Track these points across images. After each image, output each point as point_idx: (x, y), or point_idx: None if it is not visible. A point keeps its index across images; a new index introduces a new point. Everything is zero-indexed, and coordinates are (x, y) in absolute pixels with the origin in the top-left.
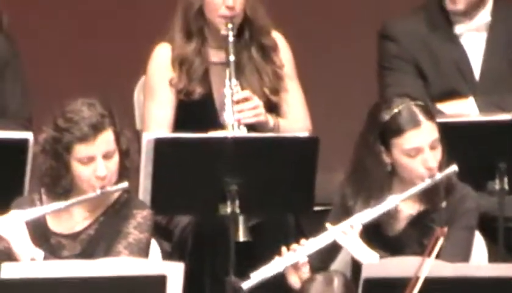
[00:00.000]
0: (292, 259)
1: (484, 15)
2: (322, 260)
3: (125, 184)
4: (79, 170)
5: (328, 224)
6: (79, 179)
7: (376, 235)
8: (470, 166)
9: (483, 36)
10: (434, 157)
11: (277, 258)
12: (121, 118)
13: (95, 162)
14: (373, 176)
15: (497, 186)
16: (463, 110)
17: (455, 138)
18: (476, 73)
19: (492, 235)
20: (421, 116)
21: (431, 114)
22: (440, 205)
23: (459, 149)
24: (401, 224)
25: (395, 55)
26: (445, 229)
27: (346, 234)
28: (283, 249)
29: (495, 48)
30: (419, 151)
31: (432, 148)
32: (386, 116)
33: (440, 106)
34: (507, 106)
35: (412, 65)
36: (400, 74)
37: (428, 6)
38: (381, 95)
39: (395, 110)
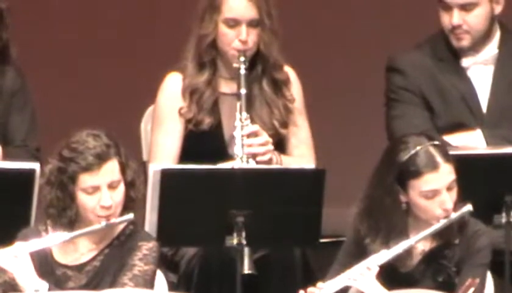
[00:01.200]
0: None
1: (492, 48)
2: None
3: (130, 216)
4: (84, 200)
5: (342, 272)
6: (84, 209)
7: (389, 271)
8: (477, 199)
9: (490, 69)
10: (451, 198)
11: None
12: (127, 149)
13: (100, 191)
14: (391, 216)
15: (504, 219)
16: (470, 142)
17: (461, 170)
18: (484, 106)
19: (498, 269)
20: (439, 158)
21: (448, 155)
22: (453, 241)
23: (466, 181)
24: (414, 260)
25: (402, 87)
26: (477, 280)
27: (363, 276)
28: (301, 292)
29: (502, 81)
30: (437, 193)
31: (449, 189)
32: (404, 157)
33: (448, 138)
34: None
35: (419, 97)
36: (407, 105)
37: (435, 39)
38: (388, 127)
39: (413, 152)
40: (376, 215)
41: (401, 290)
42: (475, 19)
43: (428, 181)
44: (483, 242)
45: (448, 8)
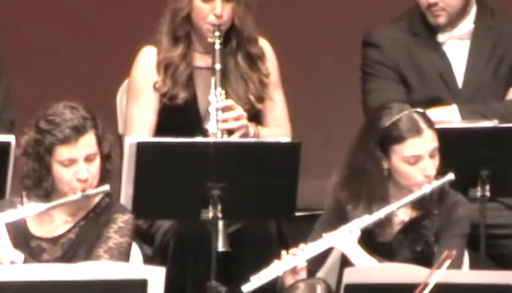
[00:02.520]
0: (292, 263)
1: (468, 23)
2: (313, 263)
3: (106, 187)
4: (60, 172)
5: (324, 234)
6: (60, 181)
7: (368, 240)
8: (453, 173)
9: (466, 44)
10: (433, 165)
11: (276, 262)
12: (103, 121)
13: (76, 164)
14: (374, 181)
15: (479, 193)
16: (446, 117)
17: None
18: (459, 81)
19: (473, 243)
20: (422, 124)
21: (431, 122)
22: (432, 211)
23: (442, 156)
24: (393, 230)
25: (378, 62)
26: (454, 252)
27: (345, 238)
28: (283, 252)
29: (478, 56)
30: (419, 158)
31: (431, 156)
32: (387, 122)
33: None
34: (489, 114)
35: (395, 71)
36: (383, 80)
37: (411, 14)
38: (364, 101)
39: (396, 117)
40: (358, 182)
41: (382, 263)
42: None
43: (411, 146)
44: (461, 213)
45: None
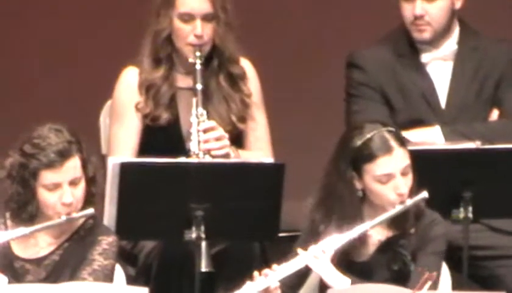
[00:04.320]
0: (264, 283)
1: (451, 44)
2: (291, 286)
3: (91, 210)
4: (45, 196)
5: (299, 250)
6: (45, 205)
7: (345, 261)
8: (435, 194)
9: (450, 65)
10: (405, 183)
11: (248, 283)
12: (88, 143)
13: (61, 188)
14: (345, 202)
15: (462, 215)
16: (429, 138)
17: (420, 166)
18: (443, 102)
19: (455, 264)
20: (393, 142)
21: (402, 140)
22: (409, 231)
23: (424, 177)
24: (370, 250)
25: (362, 83)
26: (434, 274)
27: (318, 258)
28: (255, 273)
29: (461, 77)
30: (391, 177)
31: (403, 174)
32: (358, 142)
33: (407, 134)
34: (472, 135)
35: (379, 93)
36: (367, 101)
37: (395, 35)
38: (348, 122)
39: (368, 136)
40: (331, 203)
41: (360, 284)
42: (437, 10)
43: (382, 165)
44: (438, 231)
45: None
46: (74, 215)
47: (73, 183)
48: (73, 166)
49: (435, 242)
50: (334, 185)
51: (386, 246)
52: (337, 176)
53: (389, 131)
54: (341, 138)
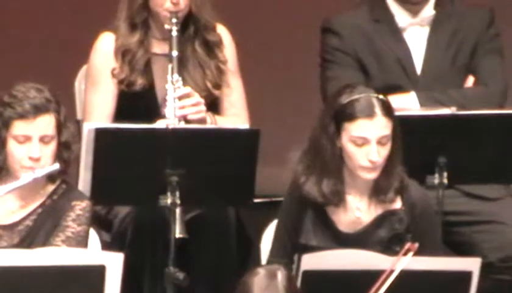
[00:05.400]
0: None
1: (428, 10)
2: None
3: (56, 166)
4: (13, 148)
5: None
6: (12, 157)
7: (330, 229)
8: (411, 160)
9: (426, 31)
10: (379, 152)
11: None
12: (66, 110)
13: (30, 142)
14: (326, 156)
15: (436, 180)
16: (404, 104)
17: None
18: (418, 68)
19: None
20: (377, 109)
21: (389, 111)
22: (396, 207)
23: (400, 143)
24: (359, 224)
25: (338, 49)
26: (416, 244)
27: None
28: None
29: (437, 44)
30: (366, 141)
31: (380, 143)
32: (345, 100)
33: None
34: (448, 101)
35: (354, 58)
36: (342, 67)
37: (372, 1)
38: (323, 88)
39: (355, 97)
40: (313, 155)
41: (340, 249)
42: None
43: (360, 127)
44: (429, 204)
45: None
46: (40, 171)
47: (43, 140)
48: (46, 122)
49: (432, 216)
50: (317, 138)
51: (379, 222)
52: (320, 129)
53: (379, 99)
54: (332, 94)
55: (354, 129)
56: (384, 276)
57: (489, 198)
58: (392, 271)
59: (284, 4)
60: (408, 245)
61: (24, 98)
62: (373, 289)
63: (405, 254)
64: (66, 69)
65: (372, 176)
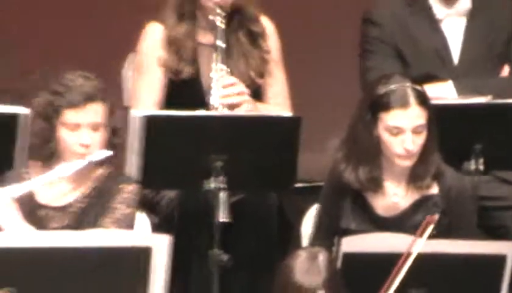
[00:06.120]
0: None
1: (465, 1)
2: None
3: (109, 152)
4: (65, 135)
5: None
6: (64, 144)
7: (367, 213)
8: (448, 147)
9: (463, 21)
10: (414, 141)
11: None
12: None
13: (81, 129)
14: (363, 143)
15: (473, 166)
16: (442, 93)
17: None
18: (455, 58)
19: None
20: (412, 99)
21: (424, 100)
22: (431, 192)
23: (437, 130)
24: (397, 209)
25: (377, 39)
26: (436, 215)
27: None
28: None
29: (474, 34)
30: (401, 131)
31: (414, 132)
32: (382, 90)
33: None
34: (484, 90)
35: (392, 48)
36: (381, 56)
37: None
38: (362, 77)
39: (391, 87)
40: (351, 143)
41: (377, 233)
42: None
43: (395, 117)
44: (466, 189)
45: None
46: (92, 156)
47: (93, 127)
48: (95, 110)
49: (468, 202)
50: (355, 127)
51: (416, 207)
52: (358, 118)
53: (414, 89)
54: (369, 84)
55: (389, 118)
56: (406, 252)
57: None
58: (414, 248)
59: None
60: (427, 218)
61: (74, 87)
62: (400, 264)
63: (426, 227)
64: (112, 56)
65: (408, 163)
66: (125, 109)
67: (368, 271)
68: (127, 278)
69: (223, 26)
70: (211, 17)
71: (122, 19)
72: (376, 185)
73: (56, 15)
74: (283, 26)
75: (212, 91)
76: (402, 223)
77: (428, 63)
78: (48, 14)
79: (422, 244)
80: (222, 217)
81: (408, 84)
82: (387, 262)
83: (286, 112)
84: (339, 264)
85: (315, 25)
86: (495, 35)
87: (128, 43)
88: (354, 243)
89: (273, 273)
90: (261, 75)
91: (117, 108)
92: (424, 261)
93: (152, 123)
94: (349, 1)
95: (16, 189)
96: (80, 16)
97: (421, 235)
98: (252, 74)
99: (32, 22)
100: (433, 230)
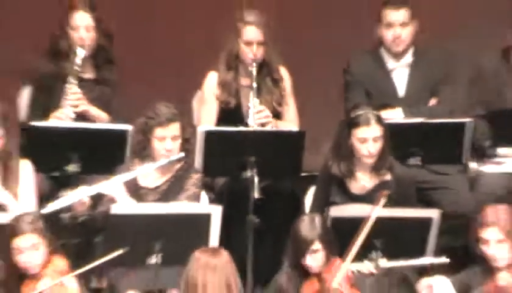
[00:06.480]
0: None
1: (408, 56)
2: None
3: (182, 154)
4: (156, 144)
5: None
6: (155, 150)
7: (346, 191)
8: (399, 150)
9: (407, 71)
10: (374, 146)
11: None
12: (187, 120)
13: (165, 140)
14: (342, 148)
15: (413, 162)
16: (394, 116)
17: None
18: (402, 94)
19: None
20: (372, 120)
21: (380, 120)
22: (386, 178)
23: (390, 140)
24: (365, 188)
25: (351, 81)
26: (386, 192)
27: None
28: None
29: (414, 78)
30: (366, 140)
31: (374, 140)
32: (354, 115)
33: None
34: (420, 114)
35: (361, 87)
36: (354, 92)
37: (374, 50)
38: (344, 105)
39: (360, 112)
40: (336, 148)
41: (349, 205)
42: (408, 32)
43: (362, 132)
44: (410, 177)
45: (391, 26)
46: (173, 157)
47: (173, 138)
48: (175, 128)
49: (412, 185)
50: (338, 138)
51: (376, 189)
52: (340, 133)
53: (374, 113)
54: (347, 111)
55: (358, 133)
56: (369, 218)
57: (446, 173)
58: (374, 213)
59: (316, 48)
60: (381, 193)
61: (161, 114)
62: (367, 225)
63: (380, 199)
64: (188, 92)
65: (371, 160)
66: (194, 126)
67: (347, 229)
68: (196, 233)
69: (255, 73)
70: (250, 68)
71: (193, 67)
72: (351, 174)
73: (148, 59)
74: (295, 72)
75: (249, 116)
76: (368, 198)
77: (383, 97)
78: (141, 57)
79: (378, 211)
80: (257, 194)
81: (370, 110)
82: (359, 222)
83: (295, 127)
84: (329, 224)
85: (318, 74)
86: (428, 79)
87: (197, 84)
88: (338, 211)
89: (289, 232)
90: (280, 105)
91: (188, 126)
92: (380, 222)
93: (209, 135)
94: (335, 53)
95: (125, 177)
96: (169, 64)
97: (378, 205)
98: (274, 104)
99: (135, 70)
100: (385, 202)
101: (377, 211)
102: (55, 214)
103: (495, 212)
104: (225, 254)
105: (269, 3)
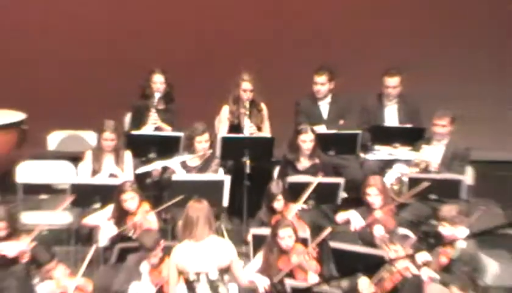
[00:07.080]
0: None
1: (328, 98)
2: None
3: (210, 151)
4: (196, 144)
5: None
6: (195, 147)
7: (293, 167)
8: (321, 147)
9: (327, 106)
10: (310, 144)
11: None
12: (210, 130)
13: (201, 143)
14: (293, 145)
15: (331, 153)
16: (319, 130)
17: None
18: (325, 117)
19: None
20: (309, 130)
21: (313, 130)
22: (316, 162)
23: (318, 143)
24: (306, 165)
25: (299, 112)
26: (321, 174)
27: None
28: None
29: (332, 110)
30: (305, 141)
31: (310, 141)
32: (299, 128)
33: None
34: (335, 129)
35: (304, 114)
36: (300, 116)
37: (311, 95)
38: (295, 121)
39: (303, 126)
40: (290, 145)
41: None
42: (326, 88)
43: (303, 136)
44: (329, 162)
45: (316, 84)
46: (207, 152)
47: (205, 141)
48: (206, 136)
49: (328, 166)
50: (292, 140)
51: (312, 168)
52: (293, 137)
53: (309, 127)
54: (297, 125)
55: (301, 137)
56: (312, 182)
57: (348, 159)
58: (316, 180)
59: (283, 79)
60: (319, 173)
61: (198, 128)
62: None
63: (317, 174)
64: (211, 117)
65: (308, 152)
66: (215, 135)
67: (298, 190)
68: (216, 190)
69: (248, 106)
70: (245, 104)
71: (215, 103)
72: (298, 159)
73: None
74: (270, 105)
75: (245, 129)
76: (306, 172)
77: (315, 119)
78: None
79: (317, 180)
80: (248, 171)
81: (308, 125)
82: (305, 186)
83: (269, 135)
84: (286, 185)
85: (285, 102)
86: (339, 110)
87: (217, 110)
88: (291, 179)
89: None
90: (262, 123)
91: (212, 134)
92: (318, 186)
93: (224, 140)
94: (299, 83)
95: (180, 159)
96: (196, 93)
97: (316, 177)
98: (258, 123)
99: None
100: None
101: (317, 180)
102: (142, 178)
103: (373, 179)
104: (205, 202)
105: (251, 66)
